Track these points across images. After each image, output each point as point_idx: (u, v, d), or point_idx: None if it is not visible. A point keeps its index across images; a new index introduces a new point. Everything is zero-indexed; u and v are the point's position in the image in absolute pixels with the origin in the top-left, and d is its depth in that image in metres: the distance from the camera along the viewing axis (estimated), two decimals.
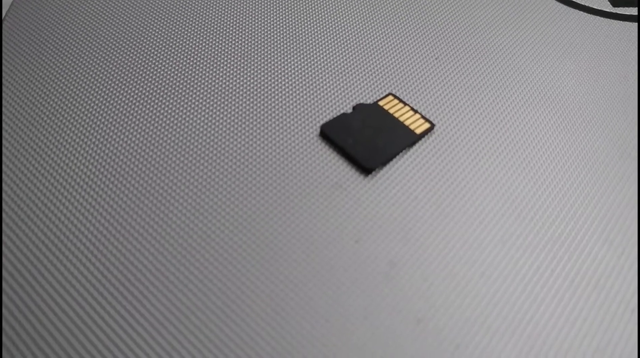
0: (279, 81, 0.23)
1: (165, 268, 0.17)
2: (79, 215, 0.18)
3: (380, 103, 0.22)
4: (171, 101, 0.22)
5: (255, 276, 0.17)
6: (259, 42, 0.24)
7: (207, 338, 0.16)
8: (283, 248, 0.18)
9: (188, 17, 0.25)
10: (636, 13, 0.28)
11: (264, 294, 0.17)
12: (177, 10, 0.26)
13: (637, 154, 0.21)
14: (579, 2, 0.28)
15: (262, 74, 0.23)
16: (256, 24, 0.25)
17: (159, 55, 0.24)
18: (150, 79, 0.23)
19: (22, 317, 0.16)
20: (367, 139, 0.21)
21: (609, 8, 0.28)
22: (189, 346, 0.16)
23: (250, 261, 0.17)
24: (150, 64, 0.23)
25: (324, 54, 0.24)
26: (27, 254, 0.17)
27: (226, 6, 0.26)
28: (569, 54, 0.25)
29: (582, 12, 0.27)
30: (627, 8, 0.28)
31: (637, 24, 0.27)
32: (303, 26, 0.25)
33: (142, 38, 0.24)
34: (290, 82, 0.23)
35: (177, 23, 0.25)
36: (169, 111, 0.21)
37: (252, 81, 0.23)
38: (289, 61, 0.24)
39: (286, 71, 0.23)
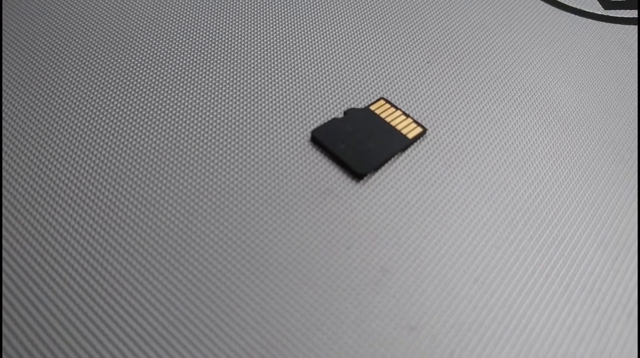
0: (269, 85, 0.23)
1: (153, 277, 0.17)
2: (67, 220, 0.18)
3: (372, 108, 0.22)
4: (158, 105, 0.22)
5: (244, 284, 0.17)
6: (248, 46, 0.24)
7: (195, 347, 0.16)
8: (273, 255, 0.18)
9: (177, 21, 0.25)
10: (627, 15, 0.28)
11: (253, 302, 0.17)
12: (166, 14, 0.26)
13: (633, 157, 0.21)
14: (570, 4, 0.28)
15: (252, 78, 0.23)
16: (245, 29, 0.25)
17: (143, 58, 0.23)
18: (135, 84, 0.22)
19: (19, 318, 0.16)
20: (358, 144, 0.20)
21: (600, 11, 0.28)
22: (177, 357, 0.15)
23: (240, 269, 0.17)
24: (134, 68, 0.23)
25: (314, 58, 0.24)
26: (23, 258, 0.17)
27: (216, 10, 0.26)
28: (561, 56, 0.25)
29: (573, 15, 0.27)
30: (618, 10, 0.28)
31: (629, 26, 0.27)
32: (293, 31, 0.25)
33: (128, 41, 0.24)
34: (280, 87, 0.23)
35: (166, 27, 0.25)
36: (155, 116, 0.21)
37: (241, 85, 0.23)
38: (278, 65, 0.24)
39: (276, 76, 0.23)
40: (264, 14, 0.26)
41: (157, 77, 0.23)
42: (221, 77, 0.23)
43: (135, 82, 0.22)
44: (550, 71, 0.24)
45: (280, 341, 0.16)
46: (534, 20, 0.27)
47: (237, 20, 0.26)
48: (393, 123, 0.21)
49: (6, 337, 0.15)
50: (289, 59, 0.24)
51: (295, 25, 0.25)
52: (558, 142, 0.22)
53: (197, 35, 0.25)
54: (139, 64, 0.23)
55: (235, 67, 0.23)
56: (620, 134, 0.22)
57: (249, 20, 0.26)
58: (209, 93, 0.22)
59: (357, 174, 0.20)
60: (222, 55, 0.24)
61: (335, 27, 0.26)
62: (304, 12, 0.26)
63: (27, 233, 0.18)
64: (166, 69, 0.23)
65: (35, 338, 0.15)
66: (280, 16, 0.26)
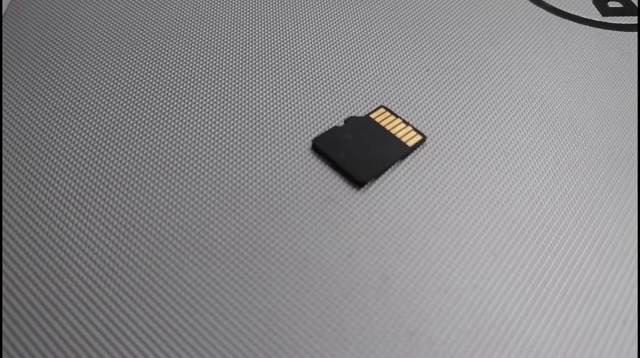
0: (270, 95, 0.23)
1: (158, 286, 0.17)
2: (71, 227, 0.18)
3: (372, 116, 0.22)
4: (159, 113, 0.22)
5: (247, 292, 0.17)
6: (249, 55, 0.25)
7: (199, 355, 0.16)
8: (275, 263, 0.18)
9: (176, 29, 0.26)
10: (626, 22, 0.28)
11: (256, 309, 0.17)
12: (167, 21, 0.26)
13: (630, 164, 0.21)
14: (568, 11, 0.28)
15: (252, 88, 0.23)
16: (246, 38, 0.25)
17: (145, 67, 0.24)
18: (137, 93, 0.23)
19: (20, 319, 0.16)
20: (359, 152, 0.21)
21: (598, 17, 0.28)
22: None
23: (242, 277, 0.18)
24: (135, 77, 0.23)
25: (315, 67, 0.24)
26: (22, 264, 0.17)
27: (215, 18, 0.26)
28: (559, 63, 0.25)
29: (571, 22, 0.28)
30: (616, 17, 0.28)
31: (628, 32, 0.27)
32: (293, 39, 0.26)
33: (128, 49, 0.24)
34: (281, 96, 0.23)
35: (167, 33, 0.25)
36: (157, 125, 0.22)
37: (242, 95, 0.23)
38: (279, 74, 0.24)
39: (277, 85, 0.23)
40: (264, 23, 0.26)
41: (158, 86, 0.23)
42: (221, 85, 0.23)
43: (136, 91, 0.23)
44: (549, 78, 0.25)
45: (281, 348, 0.16)
46: (532, 28, 0.27)
47: (237, 28, 0.26)
48: (393, 131, 0.22)
49: (5, 344, 0.16)
50: (289, 67, 0.24)
51: (295, 34, 0.26)
52: (556, 149, 0.22)
53: (197, 44, 0.25)
54: (140, 73, 0.24)
55: (235, 77, 0.24)
56: (618, 141, 0.22)
57: (249, 29, 0.26)
58: (209, 102, 0.23)
59: (358, 182, 0.20)
60: (223, 63, 0.24)
61: (336, 36, 0.26)
62: (304, 21, 0.27)
63: (27, 237, 0.18)
64: (167, 77, 0.23)
65: (29, 341, 0.16)
66: (280, 25, 0.26)
